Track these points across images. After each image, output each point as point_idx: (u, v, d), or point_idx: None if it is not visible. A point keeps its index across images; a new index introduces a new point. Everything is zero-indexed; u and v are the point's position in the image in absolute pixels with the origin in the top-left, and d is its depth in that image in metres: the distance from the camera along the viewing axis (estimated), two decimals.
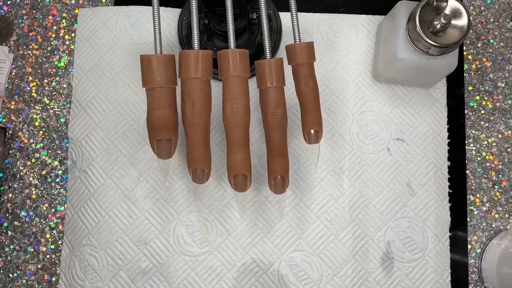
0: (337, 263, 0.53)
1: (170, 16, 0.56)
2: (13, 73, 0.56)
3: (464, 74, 0.57)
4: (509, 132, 0.57)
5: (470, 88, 0.57)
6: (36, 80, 0.56)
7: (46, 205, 0.54)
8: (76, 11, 0.57)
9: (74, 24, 0.57)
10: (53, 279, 0.53)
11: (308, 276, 0.52)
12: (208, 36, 0.53)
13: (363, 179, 0.54)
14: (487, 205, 0.55)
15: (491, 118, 0.57)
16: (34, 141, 0.55)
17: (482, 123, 0.57)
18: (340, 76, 0.56)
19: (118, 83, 0.55)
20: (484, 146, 0.56)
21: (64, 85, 0.56)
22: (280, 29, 0.56)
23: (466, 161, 0.56)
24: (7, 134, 0.54)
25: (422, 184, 0.54)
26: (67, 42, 0.56)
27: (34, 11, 0.57)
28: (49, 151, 0.55)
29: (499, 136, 0.57)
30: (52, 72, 0.56)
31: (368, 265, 0.53)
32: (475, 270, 0.54)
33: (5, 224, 0.53)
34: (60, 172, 0.54)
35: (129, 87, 0.55)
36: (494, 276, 0.52)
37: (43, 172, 0.54)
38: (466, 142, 0.56)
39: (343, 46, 0.56)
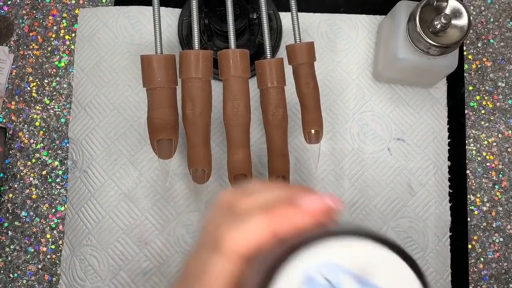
0: None
1: (170, 16, 0.56)
2: (14, 73, 0.56)
3: (464, 74, 0.57)
4: (509, 132, 0.57)
5: (470, 88, 0.57)
6: (37, 80, 0.56)
7: (47, 205, 0.54)
8: (76, 11, 0.57)
9: (74, 24, 0.57)
10: (54, 279, 0.53)
11: None
12: (209, 36, 0.53)
13: (363, 179, 0.54)
14: (488, 205, 0.55)
15: (491, 118, 0.57)
16: (35, 141, 0.55)
17: (483, 123, 0.57)
18: (340, 76, 0.56)
19: (118, 83, 0.55)
20: (484, 146, 0.56)
21: (65, 85, 0.56)
22: (281, 29, 0.56)
23: (466, 161, 0.56)
24: (7, 134, 0.54)
25: (423, 184, 0.54)
26: (67, 42, 0.56)
27: (34, 11, 0.57)
28: (50, 151, 0.55)
29: (499, 136, 0.57)
30: (52, 72, 0.56)
31: None
32: (476, 270, 0.54)
33: (6, 224, 0.53)
34: (60, 172, 0.54)
35: (130, 87, 0.55)
36: None
37: (44, 172, 0.54)
38: (466, 142, 0.56)
39: (344, 46, 0.56)
